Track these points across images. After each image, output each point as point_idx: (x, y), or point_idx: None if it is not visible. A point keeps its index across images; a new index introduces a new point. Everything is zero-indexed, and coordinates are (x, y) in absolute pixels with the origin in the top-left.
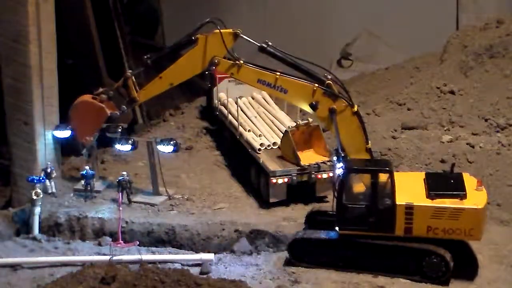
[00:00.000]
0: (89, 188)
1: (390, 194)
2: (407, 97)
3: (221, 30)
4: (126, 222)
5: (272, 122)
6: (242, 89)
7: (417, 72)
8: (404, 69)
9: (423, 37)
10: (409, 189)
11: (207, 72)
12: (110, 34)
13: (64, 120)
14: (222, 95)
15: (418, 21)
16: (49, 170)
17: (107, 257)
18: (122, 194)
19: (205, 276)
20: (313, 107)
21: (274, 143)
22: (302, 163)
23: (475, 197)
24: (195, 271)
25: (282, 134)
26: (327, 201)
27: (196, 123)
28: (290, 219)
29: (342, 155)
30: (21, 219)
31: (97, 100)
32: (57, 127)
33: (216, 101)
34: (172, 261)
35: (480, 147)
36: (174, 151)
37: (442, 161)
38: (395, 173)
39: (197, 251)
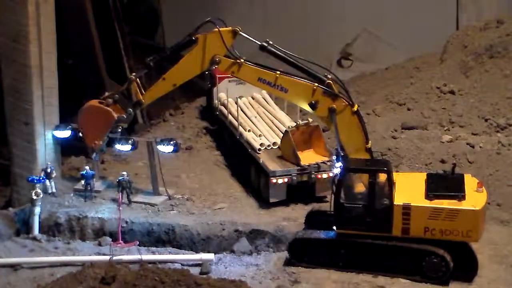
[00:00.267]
0: (89, 188)
1: (387, 194)
2: (407, 97)
3: (220, 29)
4: (126, 222)
5: (272, 122)
6: (242, 89)
7: (417, 72)
8: (404, 69)
9: (423, 37)
10: (409, 189)
11: (207, 72)
12: (110, 34)
13: (64, 120)
14: (222, 95)
15: (418, 21)
16: (49, 170)
17: (107, 257)
18: (122, 194)
19: (205, 276)
20: (313, 106)
21: (274, 143)
22: (302, 163)
23: (474, 198)
24: (195, 271)
25: (282, 134)
26: (327, 201)
27: (196, 123)
28: (290, 219)
29: (342, 154)
30: (21, 219)
31: (103, 104)
32: (57, 127)
33: (216, 101)
34: (172, 261)
35: (480, 147)
36: (174, 151)
37: (442, 161)
38: (397, 174)
39: (197, 251)
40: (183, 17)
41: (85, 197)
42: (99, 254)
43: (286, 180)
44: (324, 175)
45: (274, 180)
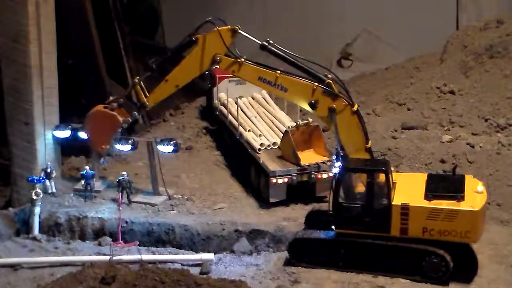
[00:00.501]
0: (89, 188)
1: (386, 194)
2: (407, 97)
3: (219, 28)
4: (126, 222)
5: (272, 122)
6: (242, 89)
7: (417, 72)
8: (404, 69)
9: (423, 37)
10: (409, 190)
11: (207, 72)
12: (110, 34)
13: (64, 120)
14: (222, 95)
15: (418, 21)
16: (49, 170)
17: (107, 257)
18: (122, 194)
19: (205, 276)
20: (313, 106)
21: (274, 143)
22: (302, 163)
23: (473, 199)
24: (195, 271)
25: (282, 134)
26: (327, 201)
27: (196, 123)
28: (290, 219)
29: (342, 154)
30: (21, 219)
31: (108, 108)
32: (57, 127)
33: (216, 101)
34: (172, 261)
35: (480, 147)
36: (174, 151)
37: (442, 161)
38: (399, 174)
39: (197, 251)
40: (183, 17)
41: (85, 197)
42: (99, 254)
43: (286, 180)
44: (324, 175)
45: (274, 180)
